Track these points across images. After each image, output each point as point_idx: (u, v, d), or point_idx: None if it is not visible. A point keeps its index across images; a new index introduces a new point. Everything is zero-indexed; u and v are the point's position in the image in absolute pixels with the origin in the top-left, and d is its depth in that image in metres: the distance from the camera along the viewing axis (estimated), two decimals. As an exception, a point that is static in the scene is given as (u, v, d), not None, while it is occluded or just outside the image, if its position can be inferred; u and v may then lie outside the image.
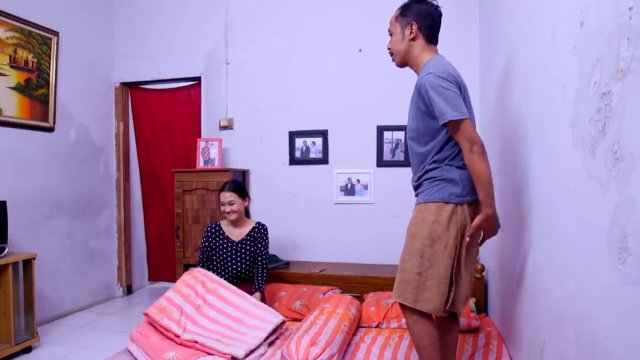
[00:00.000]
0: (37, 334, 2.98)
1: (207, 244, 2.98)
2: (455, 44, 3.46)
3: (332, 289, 3.09)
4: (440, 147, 1.80)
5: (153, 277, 4.58)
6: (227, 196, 2.95)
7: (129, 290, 4.40)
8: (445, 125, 1.72)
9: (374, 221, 3.63)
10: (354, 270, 3.38)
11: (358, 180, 3.70)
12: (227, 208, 2.94)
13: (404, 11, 1.90)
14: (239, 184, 3.05)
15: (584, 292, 1.24)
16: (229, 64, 4.02)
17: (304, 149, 3.83)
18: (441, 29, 3.75)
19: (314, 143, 3.80)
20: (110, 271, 4.27)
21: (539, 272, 1.73)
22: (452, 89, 1.71)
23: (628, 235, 0.97)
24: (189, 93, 4.26)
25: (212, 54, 4.06)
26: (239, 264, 2.95)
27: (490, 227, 1.76)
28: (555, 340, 1.50)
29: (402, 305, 1.84)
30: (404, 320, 2.67)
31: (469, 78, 3.38)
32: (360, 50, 3.68)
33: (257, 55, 3.94)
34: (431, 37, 1.90)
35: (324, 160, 3.78)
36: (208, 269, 2.96)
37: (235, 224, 3.01)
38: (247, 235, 2.99)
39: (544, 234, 1.66)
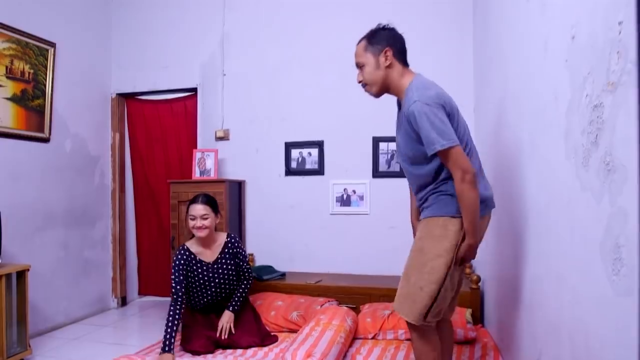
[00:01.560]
0: (29, 346, 2.94)
1: (179, 272, 2.61)
2: (450, 54, 3.51)
3: (329, 301, 3.08)
4: (438, 167, 1.77)
5: (143, 290, 4.48)
6: (200, 209, 2.62)
7: (123, 301, 4.37)
8: (435, 154, 1.70)
9: (370, 232, 3.63)
10: (350, 281, 3.37)
11: (354, 191, 3.71)
12: (199, 222, 2.61)
13: (372, 39, 1.83)
14: (212, 197, 2.75)
15: (580, 302, 1.24)
16: (225, 75, 4.03)
17: (299, 159, 3.84)
18: (436, 40, 3.80)
19: (309, 154, 3.81)
20: (105, 282, 4.24)
21: (535, 282, 1.74)
22: (438, 116, 1.67)
23: (621, 246, 0.97)
24: (185, 104, 4.27)
25: (209, 65, 4.08)
26: (219, 285, 2.71)
27: (471, 255, 1.77)
28: (552, 351, 1.50)
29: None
30: (400, 331, 2.67)
31: (463, 89, 3.45)
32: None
33: (253, 66, 3.96)
34: (405, 60, 1.85)
35: (319, 171, 3.79)
36: (187, 298, 2.73)
37: (206, 243, 2.70)
38: (220, 254, 2.73)
39: (540, 244, 1.67)
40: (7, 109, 3.27)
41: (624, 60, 0.96)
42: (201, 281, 2.68)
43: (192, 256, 2.68)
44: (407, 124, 1.77)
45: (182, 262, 2.64)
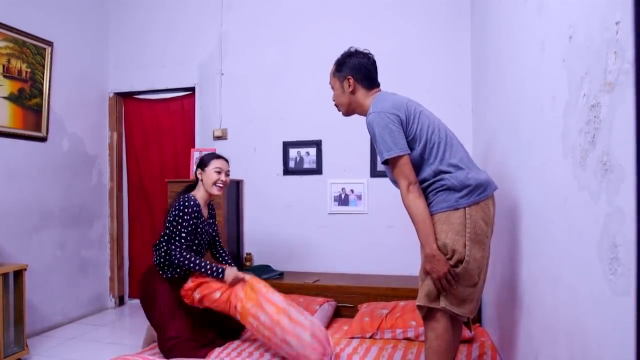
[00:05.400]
0: (27, 346, 2.94)
1: (195, 220, 2.49)
2: (448, 55, 3.51)
3: (328, 301, 3.08)
4: (419, 168, 1.80)
5: (133, 293, 4.42)
6: (227, 165, 2.62)
7: (121, 301, 4.36)
8: (386, 162, 1.78)
9: (368, 231, 3.63)
10: (348, 280, 3.37)
11: (352, 191, 3.71)
12: (223, 177, 2.57)
13: (338, 67, 2.00)
14: None
15: (577, 302, 1.24)
16: (223, 74, 4.03)
17: (297, 159, 3.83)
18: (434, 40, 3.79)
19: (307, 153, 3.81)
20: (102, 282, 4.23)
21: (533, 281, 1.74)
22: (389, 126, 1.75)
23: (618, 245, 0.98)
24: (182, 103, 4.26)
25: (207, 65, 4.08)
26: (205, 244, 2.67)
27: (436, 267, 1.68)
28: (549, 350, 1.51)
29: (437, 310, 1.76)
30: (398, 330, 2.67)
31: (461, 89, 3.45)
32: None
33: (251, 66, 3.96)
34: (370, 84, 1.97)
35: (317, 170, 3.79)
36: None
37: (206, 200, 2.63)
38: (209, 212, 2.70)
39: (537, 244, 1.68)
40: (4, 107, 3.26)
41: (621, 60, 0.97)
42: (199, 237, 2.57)
43: (200, 209, 2.54)
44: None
45: (195, 209, 2.48)
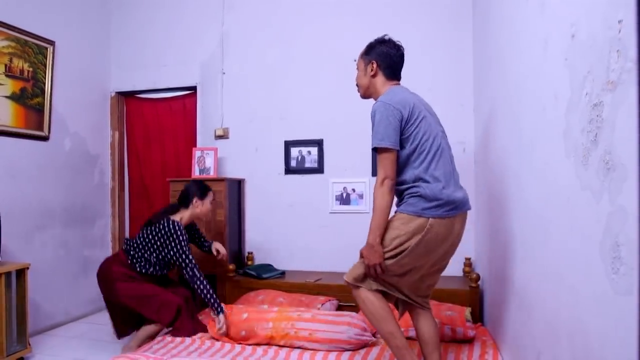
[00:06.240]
0: (29, 344, 2.94)
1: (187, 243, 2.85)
2: (450, 54, 3.51)
3: (329, 300, 3.08)
4: (402, 168, 1.93)
5: None
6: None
7: (122, 300, 4.36)
8: (376, 150, 1.89)
9: (370, 230, 3.62)
10: (350, 279, 3.37)
11: (353, 190, 3.71)
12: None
13: (367, 50, 2.10)
14: None
15: (578, 301, 1.24)
16: (224, 74, 4.03)
17: (299, 158, 3.83)
18: (436, 40, 3.79)
19: (309, 152, 3.81)
20: (104, 281, 4.23)
21: (534, 281, 1.74)
22: (388, 118, 1.86)
23: (620, 244, 0.97)
24: (184, 103, 4.26)
25: (208, 64, 4.08)
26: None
27: (371, 256, 1.87)
28: (551, 350, 1.51)
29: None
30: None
31: (463, 89, 3.45)
32: (355, 60, 3.69)
33: (252, 65, 3.96)
34: (391, 74, 2.07)
35: (319, 169, 3.79)
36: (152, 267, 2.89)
37: (190, 223, 3.05)
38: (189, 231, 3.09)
39: (539, 243, 1.67)
40: (6, 107, 3.27)
41: (624, 59, 0.96)
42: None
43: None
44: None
45: (185, 234, 2.82)
